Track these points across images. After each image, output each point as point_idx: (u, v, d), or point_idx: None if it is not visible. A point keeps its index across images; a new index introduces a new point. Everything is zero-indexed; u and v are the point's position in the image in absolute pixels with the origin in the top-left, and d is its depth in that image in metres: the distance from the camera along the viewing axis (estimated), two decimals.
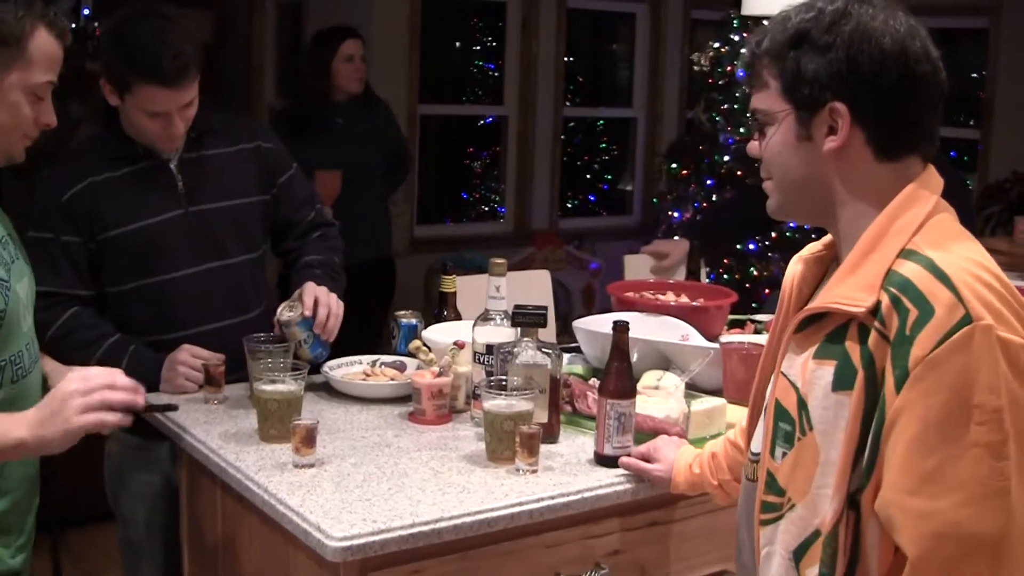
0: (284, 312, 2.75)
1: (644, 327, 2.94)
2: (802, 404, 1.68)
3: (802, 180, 1.71)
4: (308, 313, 2.75)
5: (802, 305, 1.75)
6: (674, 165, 7.39)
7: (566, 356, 2.86)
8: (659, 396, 2.56)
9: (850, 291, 1.61)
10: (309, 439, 2.27)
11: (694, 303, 3.22)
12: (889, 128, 1.65)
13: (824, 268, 1.80)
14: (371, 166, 5.12)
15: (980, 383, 1.49)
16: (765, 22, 1.78)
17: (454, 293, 3.07)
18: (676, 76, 8.61)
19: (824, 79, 1.64)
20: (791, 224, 6.58)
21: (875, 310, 1.57)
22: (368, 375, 2.83)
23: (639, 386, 2.50)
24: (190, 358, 2.75)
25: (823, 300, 1.67)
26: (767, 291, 6.75)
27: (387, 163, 5.26)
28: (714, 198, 7.04)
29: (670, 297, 3.30)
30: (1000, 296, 1.55)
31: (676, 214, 7.29)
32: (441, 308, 3.05)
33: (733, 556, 2.44)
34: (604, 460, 2.34)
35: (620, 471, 2.31)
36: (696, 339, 2.94)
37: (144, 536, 2.91)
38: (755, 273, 6.87)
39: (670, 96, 8.61)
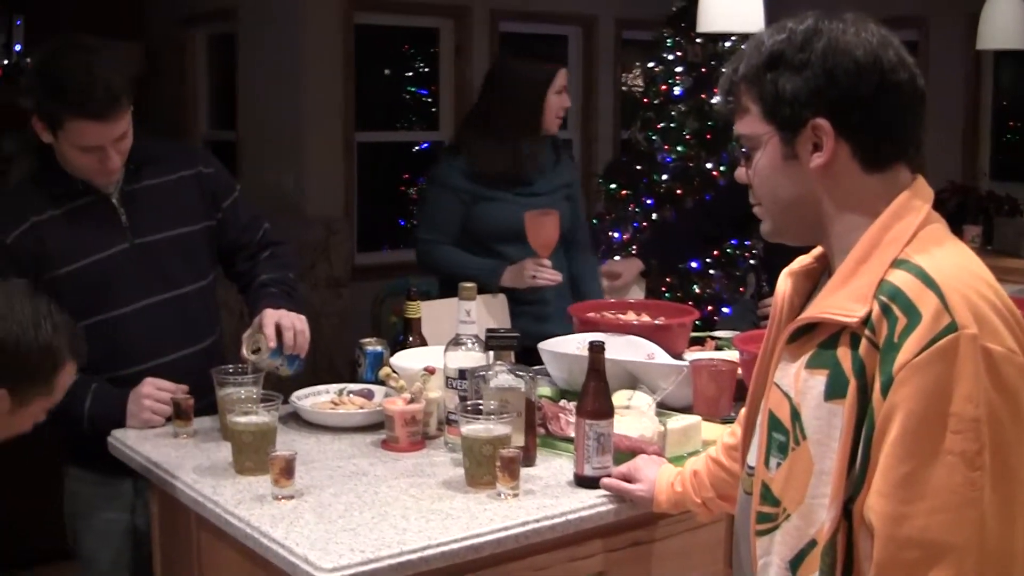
0: (249, 351, 2.71)
1: (610, 347, 2.93)
2: (795, 414, 1.69)
3: (792, 200, 1.72)
4: (272, 345, 2.71)
5: (794, 317, 1.76)
6: (612, 186, 7.43)
7: None
8: (631, 415, 2.57)
9: (842, 301, 1.62)
10: (288, 470, 2.24)
11: (656, 321, 3.22)
12: (873, 138, 1.66)
13: (814, 280, 1.81)
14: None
15: (959, 392, 1.49)
16: (732, 42, 1.80)
17: (419, 319, 3.04)
18: (610, 96, 8.67)
19: (803, 97, 1.65)
20: (733, 241, 6.66)
21: (867, 319, 1.58)
22: (336, 404, 2.80)
23: None
24: (155, 391, 2.71)
25: (815, 310, 1.68)
26: (709, 308, 6.80)
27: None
28: (654, 217, 7.09)
29: (631, 316, 3.30)
30: (992, 305, 1.56)
31: (616, 234, 7.32)
32: (406, 334, 3.03)
33: (713, 574, 2.46)
34: (584, 481, 2.33)
35: (601, 492, 2.31)
36: (662, 357, 2.94)
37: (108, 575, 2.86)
38: (697, 291, 6.91)
39: (604, 117, 8.67)
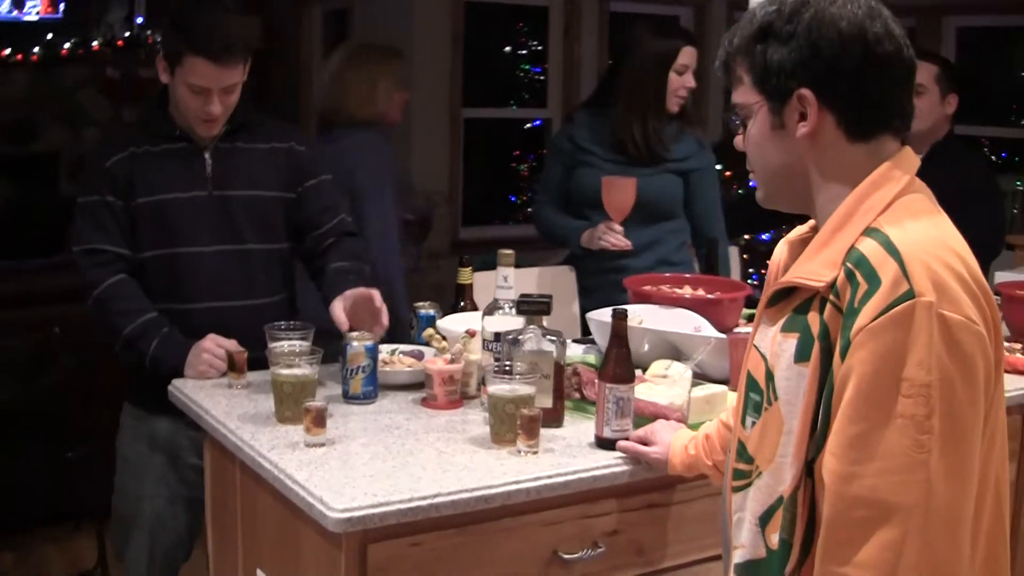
0: (355, 338, 2.74)
1: (659, 319, 3.01)
2: (769, 375, 1.76)
3: (780, 168, 1.78)
4: (381, 332, 2.82)
5: None
6: (719, 166, 7.41)
7: (581, 346, 2.93)
8: (665, 384, 2.64)
9: (815, 267, 1.69)
10: (319, 420, 2.37)
11: (709, 296, 3.28)
12: (856, 109, 1.71)
13: None
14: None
15: (912, 357, 1.54)
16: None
17: (470, 284, 3.15)
18: (721, 78, 8.62)
19: (788, 68, 1.71)
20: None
21: (833, 284, 1.65)
22: (386, 362, 2.92)
23: (648, 374, 2.58)
24: (214, 347, 2.87)
25: (791, 275, 1.75)
26: None
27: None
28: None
29: (686, 290, 3.36)
30: (956, 275, 1.60)
31: None
32: (458, 299, 3.14)
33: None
34: (603, 443, 2.42)
35: (619, 453, 2.39)
36: (707, 330, 3.00)
37: (133, 508, 3.08)
38: None
39: (715, 96, 8.64)
